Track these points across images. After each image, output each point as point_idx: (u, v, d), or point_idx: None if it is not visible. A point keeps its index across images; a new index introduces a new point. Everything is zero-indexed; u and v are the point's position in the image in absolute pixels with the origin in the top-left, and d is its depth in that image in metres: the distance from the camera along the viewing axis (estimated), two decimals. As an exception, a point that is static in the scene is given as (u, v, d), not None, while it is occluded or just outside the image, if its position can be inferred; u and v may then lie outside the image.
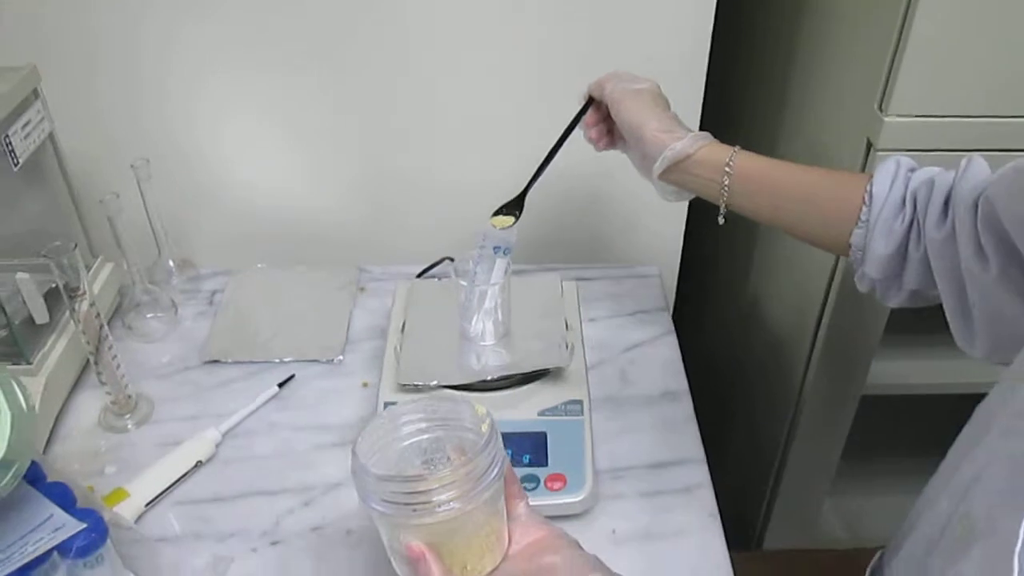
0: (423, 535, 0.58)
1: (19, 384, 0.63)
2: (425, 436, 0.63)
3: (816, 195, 0.78)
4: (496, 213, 0.85)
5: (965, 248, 0.67)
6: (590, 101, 0.87)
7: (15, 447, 0.60)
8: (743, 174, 0.79)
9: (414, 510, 0.56)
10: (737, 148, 0.80)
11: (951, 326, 0.72)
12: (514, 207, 0.85)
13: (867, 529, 1.38)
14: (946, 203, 0.69)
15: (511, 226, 0.84)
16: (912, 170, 0.74)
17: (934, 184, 0.71)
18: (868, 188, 0.73)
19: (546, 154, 0.85)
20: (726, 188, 0.79)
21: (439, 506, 0.56)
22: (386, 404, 0.85)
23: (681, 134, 0.81)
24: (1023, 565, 0.44)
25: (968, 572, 0.49)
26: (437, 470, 0.59)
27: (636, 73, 0.85)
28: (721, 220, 0.82)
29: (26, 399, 0.63)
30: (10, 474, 0.61)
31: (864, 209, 0.74)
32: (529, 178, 0.85)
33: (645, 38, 1.00)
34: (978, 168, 0.68)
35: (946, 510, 0.58)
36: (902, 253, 0.73)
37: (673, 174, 0.82)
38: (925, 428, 1.01)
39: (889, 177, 0.73)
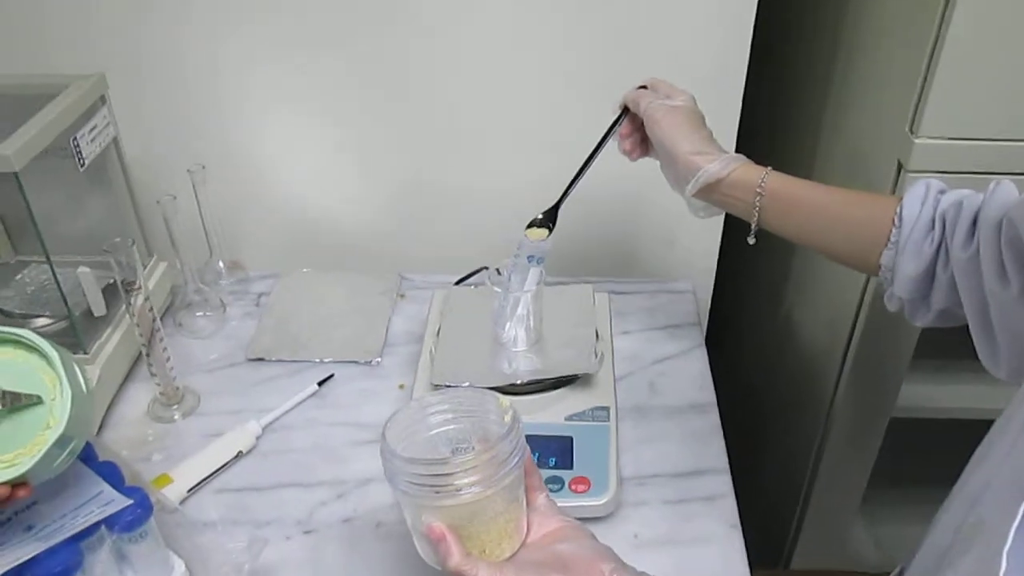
0: (445, 517, 0.60)
1: (80, 367, 0.67)
2: (452, 426, 0.66)
3: (847, 216, 0.79)
4: (531, 225, 0.88)
5: (988, 267, 0.68)
6: (624, 112, 0.88)
7: (73, 424, 0.64)
8: (775, 194, 0.80)
9: (437, 492, 0.59)
10: (769, 169, 0.81)
11: (976, 346, 0.73)
12: (548, 219, 0.88)
13: (896, 553, 1.37)
14: (973, 224, 0.71)
15: (545, 239, 0.87)
16: (942, 192, 0.75)
17: (962, 205, 0.72)
18: (898, 210, 0.75)
19: (580, 166, 0.88)
20: (757, 208, 0.81)
21: (461, 489, 0.59)
22: (419, 403, 0.88)
23: (714, 155, 0.82)
24: (1011, 563, 0.45)
25: (961, 572, 0.51)
26: (461, 455, 0.61)
27: (673, 83, 0.87)
28: (752, 240, 0.84)
29: (86, 381, 0.67)
30: (68, 450, 0.65)
31: (894, 231, 0.75)
32: (563, 189, 0.88)
33: (682, 52, 1.02)
34: (1006, 191, 0.69)
35: (957, 519, 0.59)
36: (930, 273, 0.74)
37: (705, 194, 0.83)
38: (956, 455, 1.01)
39: (919, 199, 0.74)
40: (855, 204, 0.80)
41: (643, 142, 0.89)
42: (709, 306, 1.23)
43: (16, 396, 0.63)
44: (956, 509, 0.60)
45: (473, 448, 0.65)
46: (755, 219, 0.81)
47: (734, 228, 1.19)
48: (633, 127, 0.89)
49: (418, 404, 0.66)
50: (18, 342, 0.66)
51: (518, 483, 0.63)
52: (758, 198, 0.80)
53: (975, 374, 1.14)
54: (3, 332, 0.66)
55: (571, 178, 0.88)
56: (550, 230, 0.87)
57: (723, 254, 1.20)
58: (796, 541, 1.33)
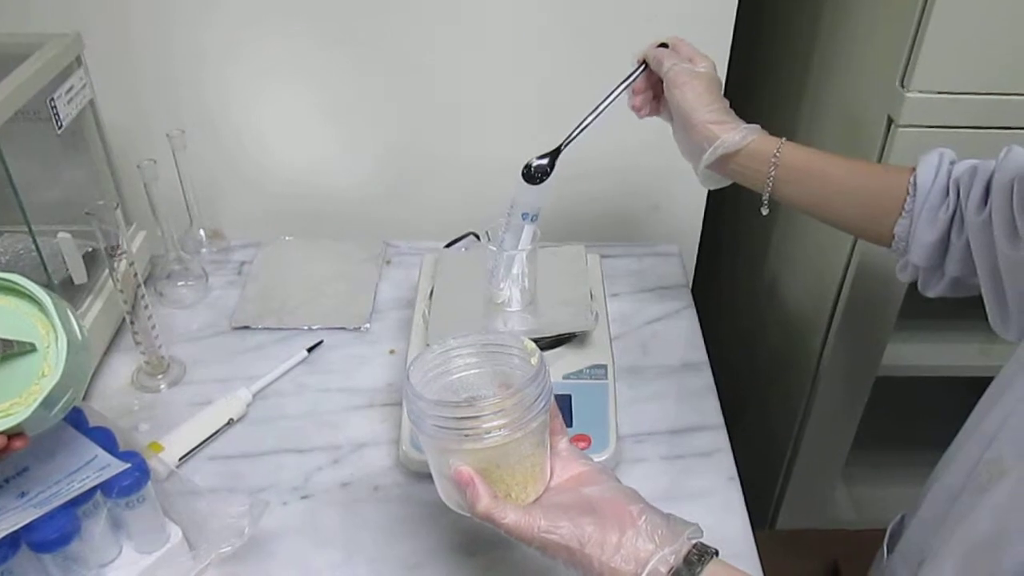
0: (471, 461, 0.60)
1: (74, 315, 0.65)
2: (475, 371, 0.66)
3: (860, 186, 0.79)
4: (527, 167, 0.84)
5: (999, 230, 0.68)
6: (643, 67, 0.86)
7: (69, 373, 0.62)
8: (789, 165, 0.80)
9: (465, 435, 0.59)
10: (784, 140, 0.81)
11: (987, 308, 0.73)
12: (549, 163, 0.84)
13: (877, 514, 1.40)
14: (987, 187, 0.71)
15: (543, 180, 0.83)
16: (953, 162, 0.75)
17: (977, 170, 0.72)
18: (912, 179, 0.75)
19: (587, 114, 0.84)
20: (771, 179, 0.80)
21: (489, 432, 0.58)
22: (414, 366, 0.87)
23: (732, 125, 0.81)
24: None
25: (996, 502, 0.51)
26: (488, 398, 0.61)
27: (694, 48, 0.85)
28: (764, 211, 0.83)
29: (80, 328, 0.65)
30: (64, 399, 0.63)
31: (908, 199, 0.75)
32: (566, 136, 0.84)
33: (670, 13, 1.01)
34: (1018, 155, 0.70)
35: (971, 459, 0.60)
36: (945, 241, 0.74)
37: (719, 164, 0.83)
38: (936, 419, 1.03)
39: (933, 167, 0.75)
40: (868, 175, 0.80)
41: (654, 100, 0.88)
42: (694, 269, 1.24)
43: (8, 343, 0.61)
44: (970, 449, 0.61)
45: (494, 394, 0.64)
46: (768, 190, 0.81)
47: (718, 193, 1.19)
48: (647, 84, 0.87)
49: (441, 347, 0.65)
50: (10, 288, 0.63)
51: (544, 427, 0.62)
52: (772, 169, 0.80)
53: (959, 332, 1.17)
54: None
55: (577, 124, 0.84)
56: (548, 174, 0.84)
57: (707, 218, 1.20)
58: (781, 501, 1.35)
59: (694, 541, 0.58)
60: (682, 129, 0.84)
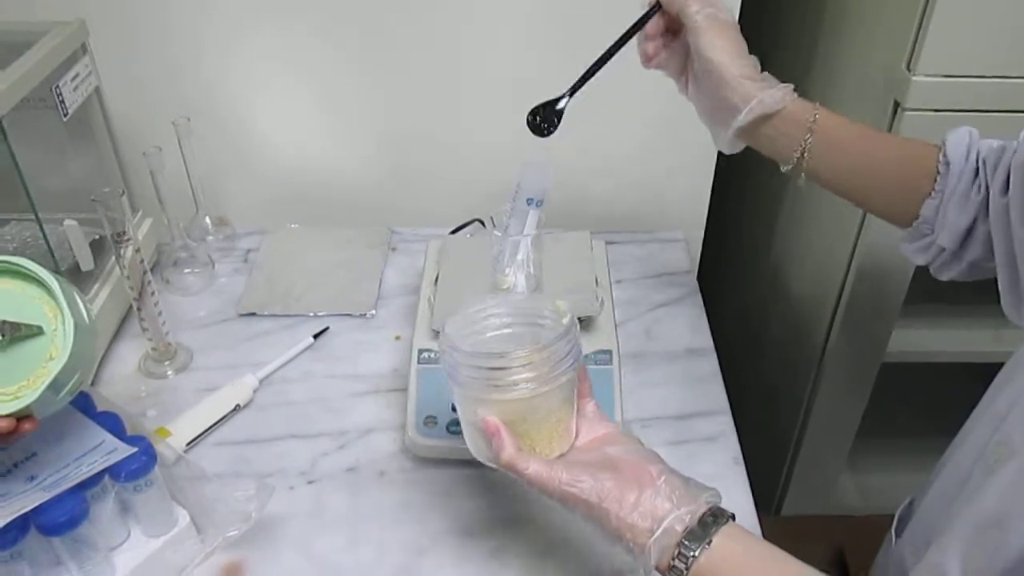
0: (499, 412, 0.62)
1: (81, 298, 0.65)
2: (508, 330, 0.67)
3: (891, 161, 0.74)
4: (534, 113, 0.78)
5: (1016, 210, 0.67)
6: (656, 7, 0.76)
7: (76, 355, 0.62)
8: (823, 133, 0.73)
9: (495, 386, 0.61)
10: (818, 104, 0.74)
11: (1001, 292, 0.71)
12: (555, 114, 0.78)
13: (882, 501, 1.40)
14: (1009, 171, 0.68)
15: (550, 132, 0.77)
16: (977, 136, 0.72)
17: (1004, 150, 0.70)
18: (941, 157, 0.71)
19: (595, 60, 0.76)
20: (806, 148, 0.73)
21: (518, 384, 0.60)
22: (420, 351, 0.87)
23: (768, 83, 0.73)
24: None
25: (1003, 483, 0.51)
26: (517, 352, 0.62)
27: None
28: (801, 181, 0.76)
29: (87, 311, 0.65)
30: (72, 382, 0.63)
31: (940, 178, 0.71)
32: (572, 84, 0.77)
33: None
34: None
35: (981, 442, 0.60)
36: (974, 224, 0.71)
37: (750, 126, 0.75)
38: (941, 406, 1.03)
39: (964, 147, 0.71)
40: (899, 148, 0.76)
41: (665, 48, 0.79)
42: (699, 255, 1.23)
43: (16, 326, 0.61)
44: (980, 432, 0.61)
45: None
46: (804, 159, 0.74)
47: (724, 178, 1.19)
48: (660, 28, 0.77)
49: (477, 306, 0.67)
50: (16, 272, 0.64)
51: (571, 386, 0.64)
52: (808, 135, 0.73)
53: (964, 318, 1.16)
54: (1, 261, 0.63)
55: (585, 69, 0.77)
56: (556, 125, 0.77)
57: (712, 205, 1.20)
58: (787, 488, 1.35)
59: (711, 505, 0.59)
60: (709, 85, 0.75)
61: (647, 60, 0.79)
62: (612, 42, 0.75)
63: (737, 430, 0.89)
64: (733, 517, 0.58)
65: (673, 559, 0.57)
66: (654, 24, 0.76)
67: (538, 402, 0.61)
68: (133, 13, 1.02)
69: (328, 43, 1.05)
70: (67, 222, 0.91)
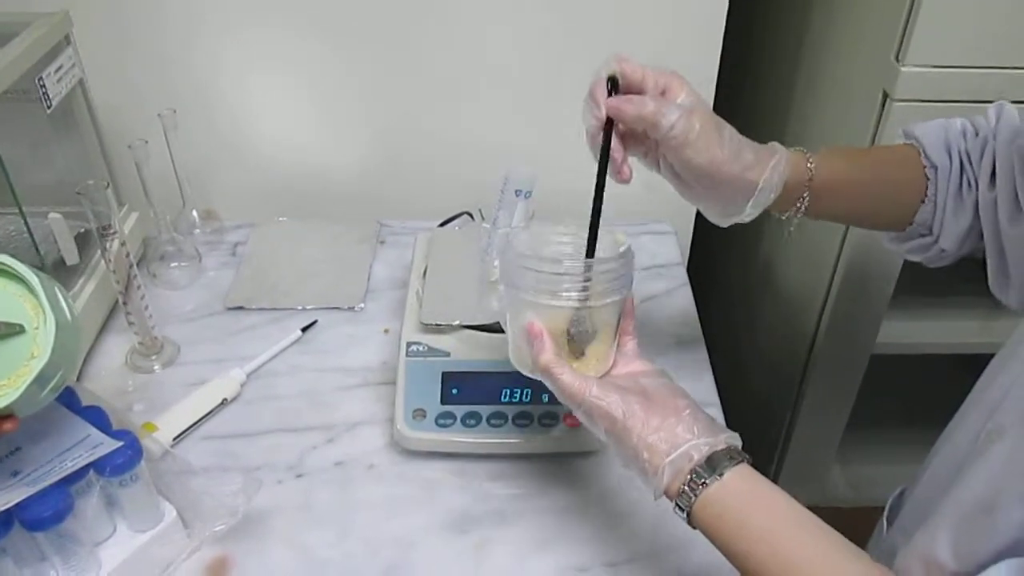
0: (546, 320, 0.65)
1: (64, 295, 0.65)
2: (568, 249, 0.70)
3: (885, 184, 0.74)
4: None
5: (1003, 207, 0.67)
6: (609, 125, 0.68)
7: (59, 354, 0.61)
8: (820, 185, 0.71)
9: (549, 291, 0.63)
10: (810, 157, 0.71)
11: (988, 274, 0.72)
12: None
13: (872, 493, 1.40)
14: (994, 164, 0.69)
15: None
16: (955, 130, 0.72)
17: (986, 142, 0.70)
18: (925, 161, 0.71)
19: (592, 213, 0.68)
20: (803, 203, 0.72)
21: (569, 292, 0.63)
22: (408, 344, 0.86)
23: (751, 158, 0.68)
24: None
25: (991, 465, 0.51)
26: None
27: (644, 66, 0.69)
28: (792, 227, 0.75)
29: (70, 309, 0.64)
30: (54, 381, 0.62)
31: (929, 185, 0.71)
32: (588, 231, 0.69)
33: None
34: (1009, 115, 0.69)
35: (974, 429, 0.60)
36: (972, 221, 0.72)
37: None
38: (931, 397, 1.03)
39: (942, 145, 0.71)
40: (887, 165, 0.75)
41: (645, 156, 0.73)
42: (689, 248, 1.23)
43: None
44: (973, 420, 0.61)
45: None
46: (799, 214, 0.73)
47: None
48: (618, 138, 0.69)
49: (542, 229, 0.71)
50: None
51: (616, 311, 0.66)
52: (806, 192, 0.71)
53: (953, 309, 1.16)
54: None
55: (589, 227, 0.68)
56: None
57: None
58: (776, 481, 1.34)
59: (730, 444, 0.60)
60: (706, 188, 0.69)
61: (627, 181, 0.70)
62: (594, 195, 0.68)
63: (727, 422, 0.88)
64: (750, 462, 0.59)
65: (684, 484, 0.58)
66: (613, 141, 0.68)
67: (584, 315, 0.64)
68: (118, 3, 1.01)
69: (316, 35, 1.04)
70: (52, 215, 0.90)
